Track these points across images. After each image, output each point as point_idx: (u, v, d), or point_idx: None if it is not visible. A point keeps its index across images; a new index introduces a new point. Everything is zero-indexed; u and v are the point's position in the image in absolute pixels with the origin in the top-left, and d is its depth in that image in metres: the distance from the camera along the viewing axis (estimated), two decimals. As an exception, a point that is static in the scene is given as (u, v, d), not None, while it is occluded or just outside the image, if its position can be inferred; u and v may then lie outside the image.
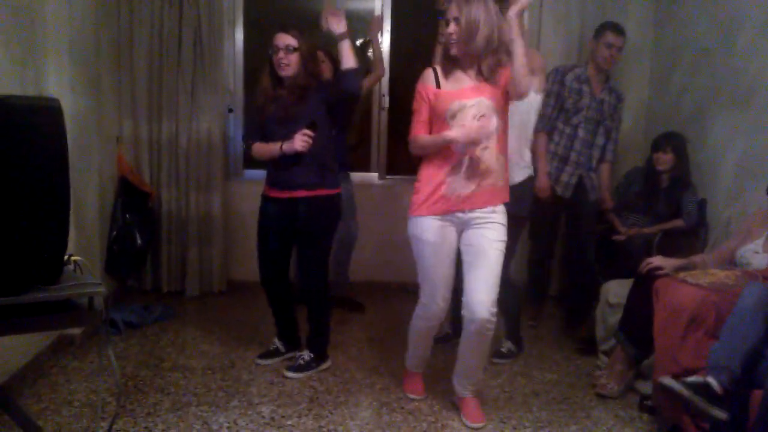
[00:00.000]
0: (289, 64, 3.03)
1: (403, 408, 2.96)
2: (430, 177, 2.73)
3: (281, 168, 3.11)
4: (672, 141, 3.79)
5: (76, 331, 3.44)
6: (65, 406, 2.83)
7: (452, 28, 2.62)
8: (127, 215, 4.17)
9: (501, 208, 2.74)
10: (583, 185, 3.78)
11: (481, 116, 2.60)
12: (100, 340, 2.87)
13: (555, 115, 3.75)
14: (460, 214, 2.72)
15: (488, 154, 2.65)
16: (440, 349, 3.39)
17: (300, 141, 2.96)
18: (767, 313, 2.37)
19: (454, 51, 2.65)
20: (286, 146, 2.99)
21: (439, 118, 2.69)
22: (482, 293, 2.64)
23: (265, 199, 3.24)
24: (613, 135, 3.87)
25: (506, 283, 3.42)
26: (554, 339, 3.92)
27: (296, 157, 3.02)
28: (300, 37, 3.05)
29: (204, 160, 4.41)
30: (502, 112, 2.69)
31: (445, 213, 2.72)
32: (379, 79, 4.30)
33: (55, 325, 2.53)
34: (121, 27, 4.24)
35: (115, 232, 4.11)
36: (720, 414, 2.08)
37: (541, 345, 3.80)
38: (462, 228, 2.76)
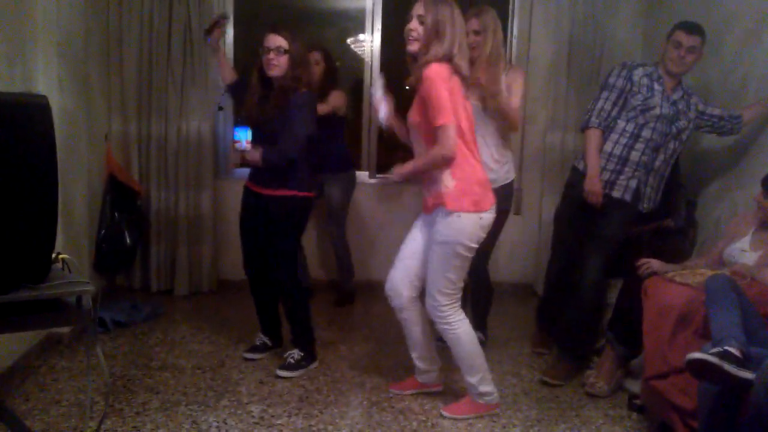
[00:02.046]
0: (278, 65, 3.04)
1: (393, 407, 2.95)
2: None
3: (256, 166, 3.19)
4: None
5: (64, 330, 3.42)
6: (53, 405, 2.80)
7: (414, 24, 2.63)
8: (116, 213, 4.15)
9: (450, 213, 2.66)
10: (638, 191, 3.33)
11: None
12: (88, 339, 2.84)
13: (616, 112, 3.33)
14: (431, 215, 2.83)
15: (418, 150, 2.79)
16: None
17: (256, 156, 3.05)
18: (736, 293, 2.40)
19: (411, 48, 2.66)
20: (250, 156, 3.08)
21: None
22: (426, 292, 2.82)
23: (244, 190, 3.34)
24: (683, 137, 3.37)
25: (485, 281, 3.46)
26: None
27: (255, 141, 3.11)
28: (291, 39, 3.04)
29: (194, 157, 4.39)
30: (426, 125, 2.64)
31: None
32: None
33: (43, 324, 2.51)
34: (110, 23, 4.22)
35: (103, 231, 4.08)
36: (748, 375, 2.09)
37: (531, 344, 3.80)
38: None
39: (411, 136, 2.82)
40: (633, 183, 3.31)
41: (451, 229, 2.64)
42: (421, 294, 2.88)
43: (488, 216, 2.70)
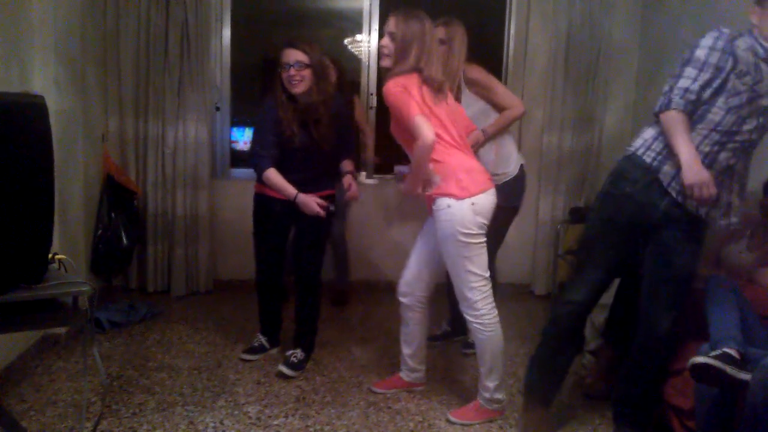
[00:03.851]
0: (302, 80, 2.98)
1: (390, 408, 2.95)
2: None
3: (286, 175, 3.06)
4: None
5: (60, 330, 3.41)
6: (50, 406, 2.80)
7: (386, 41, 2.72)
8: (113, 214, 4.14)
9: (443, 200, 2.67)
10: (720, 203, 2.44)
11: None
12: (84, 339, 2.84)
13: (708, 97, 2.34)
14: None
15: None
16: (440, 349, 3.38)
17: (314, 208, 3.03)
18: (734, 293, 2.41)
19: (384, 63, 2.75)
20: (302, 202, 3.03)
21: None
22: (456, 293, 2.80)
23: (266, 199, 3.18)
24: None
25: (492, 278, 3.45)
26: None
27: (304, 166, 3.11)
28: (310, 52, 2.98)
29: (191, 158, 4.38)
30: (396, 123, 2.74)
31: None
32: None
33: (40, 325, 2.50)
34: (107, 24, 4.21)
35: (100, 231, 4.07)
36: (746, 376, 2.09)
37: (528, 344, 3.80)
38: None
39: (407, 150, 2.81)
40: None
41: (447, 221, 2.66)
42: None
43: (482, 199, 2.66)
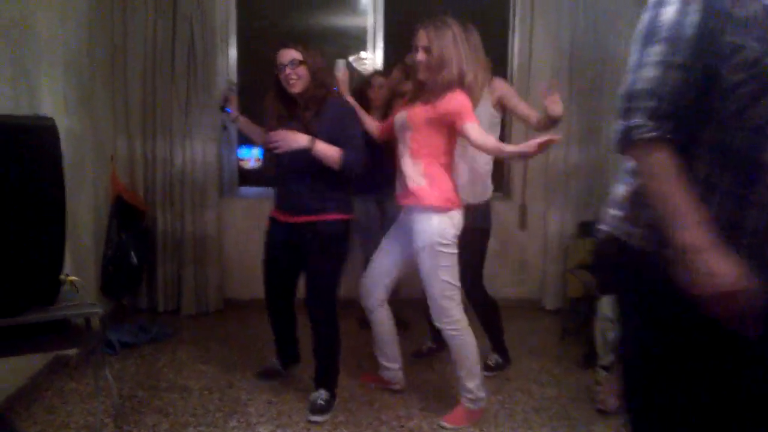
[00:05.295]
0: (299, 78, 2.86)
1: (402, 426, 2.93)
2: None
3: (284, 191, 3.01)
4: None
5: (71, 352, 3.40)
6: (62, 428, 2.78)
7: (421, 56, 2.77)
8: (122, 234, 4.14)
9: (430, 210, 2.80)
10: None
11: None
12: (96, 360, 2.83)
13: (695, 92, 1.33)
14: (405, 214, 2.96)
15: (407, 160, 2.87)
16: (431, 365, 3.37)
17: (330, 153, 2.81)
18: None
19: (422, 77, 2.83)
20: (322, 153, 2.81)
21: None
22: (429, 300, 2.88)
23: (271, 221, 3.12)
24: None
25: (484, 298, 3.46)
26: (553, 354, 3.90)
27: (299, 180, 2.91)
28: (303, 50, 2.89)
29: (199, 177, 4.39)
30: (416, 126, 2.82)
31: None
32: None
33: (53, 347, 2.51)
34: (114, 45, 4.25)
35: (110, 252, 4.08)
36: None
37: (540, 360, 3.78)
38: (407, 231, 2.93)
39: (398, 134, 2.93)
40: None
41: (427, 231, 2.78)
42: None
43: (458, 215, 2.84)
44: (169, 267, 4.46)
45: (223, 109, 3.20)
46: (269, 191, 4.82)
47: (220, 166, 4.56)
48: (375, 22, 4.66)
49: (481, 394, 2.93)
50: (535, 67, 4.67)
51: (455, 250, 2.82)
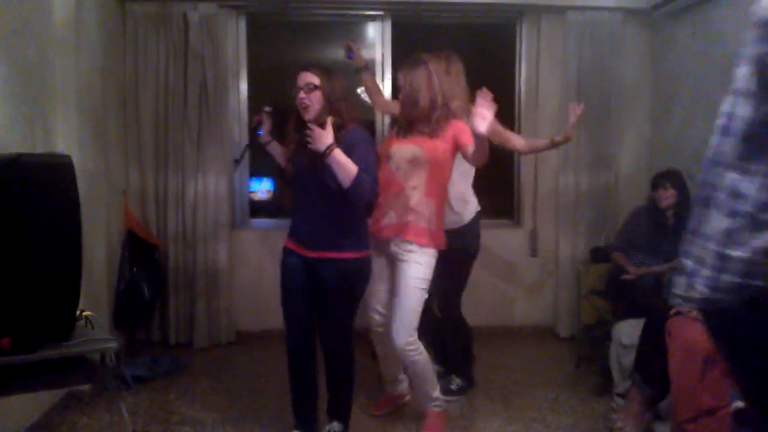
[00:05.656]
0: (311, 104, 2.73)
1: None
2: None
3: (300, 223, 2.88)
4: (670, 177, 3.80)
5: (85, 387, 3.40)
6: (75, 464, 2.78)
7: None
8: (135, 268, 4.17)
9: (424, 250, 2.98)
10: None
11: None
12: (109, 395, 2.83)
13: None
14: (386, 243, 3.05)
15: (416, 194, 2.97)
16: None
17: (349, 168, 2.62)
18: None
19: (403, 112, 3.07)
20: (335, 161, 2.61)
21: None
22: (397, 323, 2.96)
23: (286, 251, 2.95)
24: None
25: (456, 319, 3.47)
26: (568, 382, 3.87)
27: (315, 213, 2.79)
28: (322, 74, 2.77)
29: (211, 211, 4.43)
30: (437, 162, 2.97)
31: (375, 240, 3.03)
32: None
33: (68, 382, 2.51)
34: (127, 81, 4.32)
35: (122, 285, 4.10)
36: None
37: (555, 388, 3.74)
38: (390, 260, 3.07)
39: (396, 169, 3.02)
40: None
41: (418, 263, 2.96)
42: None
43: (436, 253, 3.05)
44: (181, 300, 4.47)
45: (255, 130, 3.18)
46: (280, 223, 4.89)
47: (232, 198, 4.60)
48: (383, 54, 4.71)
49: (439, 394, 3.13)
50: (543, 94, 4.71)
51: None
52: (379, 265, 3.06)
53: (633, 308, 3.55)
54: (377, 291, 3.15)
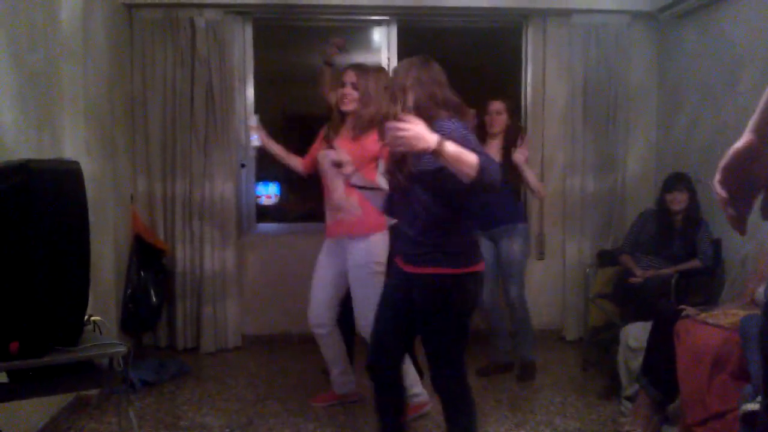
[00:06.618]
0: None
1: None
2: None
3: (398, 233, 2.53)
4: (684, 181, 3.80)
5: (92, 391, 3.41)
6: (84, 469, 2.79)
7: (348, 90, 3.11)
8: (142, 273, 4.19)
9: (360, 238, 3.12)
10: None
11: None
12: (117, 400, 2.84)
13: None
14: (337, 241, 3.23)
15: (338, 195, 3.15)
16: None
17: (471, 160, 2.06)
18: None
19: (345, 107, 3.14)
20: (450, 157, 2.05)
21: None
22: (357, 312, 3.15)
23: (391, 262, 2.68)
24: None
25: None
26: (575, 385, 3.85)
27: (409, 221, 2.38)
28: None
29: (217, 215, 4.44)
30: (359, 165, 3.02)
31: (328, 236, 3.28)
32: None
33: (76, 387, 2.52)
34: (134, 87, 4.35)
35: (130, 290, 4.12)
36: None
37: (563, 391, 3.73)
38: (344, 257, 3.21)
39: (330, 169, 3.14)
40: None
41: (364, 250, 3.09)
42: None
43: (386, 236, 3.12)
44: (188, 304, 4.48)
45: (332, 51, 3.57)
46: (287, 227, 4.90)
47: (239, 203, 4.61)
48: (389, 59, 4.72)
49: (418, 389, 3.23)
50: (549, 98, 4.70)
51: (383, 270, 3.09)
52: (325, 267, 3.28)
53: (640, 311, 3.54)
54: (325, 294, 3.30)
